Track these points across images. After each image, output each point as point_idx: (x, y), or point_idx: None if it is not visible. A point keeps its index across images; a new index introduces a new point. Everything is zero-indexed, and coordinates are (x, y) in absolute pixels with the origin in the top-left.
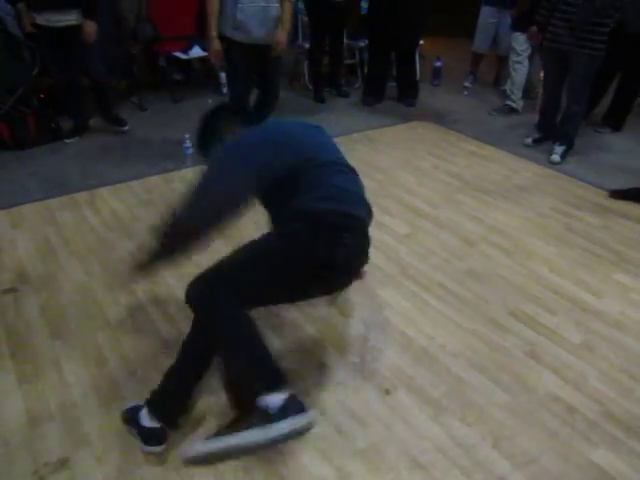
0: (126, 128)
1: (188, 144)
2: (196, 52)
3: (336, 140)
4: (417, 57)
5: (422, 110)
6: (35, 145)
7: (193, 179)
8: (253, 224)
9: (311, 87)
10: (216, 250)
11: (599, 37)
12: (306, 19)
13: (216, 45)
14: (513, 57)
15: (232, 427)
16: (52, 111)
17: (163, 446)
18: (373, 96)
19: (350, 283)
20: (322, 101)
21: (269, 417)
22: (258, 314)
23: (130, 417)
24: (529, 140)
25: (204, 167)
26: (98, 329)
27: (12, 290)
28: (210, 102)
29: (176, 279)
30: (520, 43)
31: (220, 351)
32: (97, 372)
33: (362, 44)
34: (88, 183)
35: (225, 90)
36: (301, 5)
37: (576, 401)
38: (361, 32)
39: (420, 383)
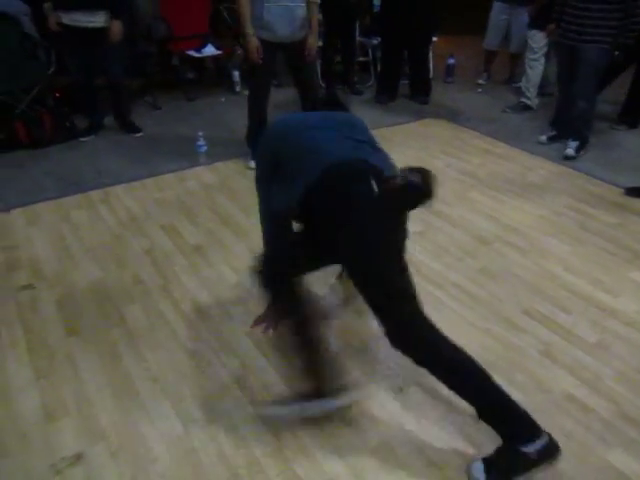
0: (140, 134)
1: (201, 142)
2: (209, 51)
3: None
4: (430, 55)
5: (435, 108)
6: (51, 144)
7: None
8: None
9: (324, 85)
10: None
11: (607, 31)
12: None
13: (254, 42)
14: (529, 54)
15: None
16: (67, 110)
17: None
18: (386, 94)
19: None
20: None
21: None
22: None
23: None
24: (544, 138)
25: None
26: (113, 326)
27: (29, 287)
28: (223, 100)
29: (190, 277)
30: (537, 40)
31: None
32: (111, 368)
33: (375, 42)
34: (102, 181)
35: (238, 89)
36: None
37: (591, 401)
38: (374, 30)
39: (433, 381)
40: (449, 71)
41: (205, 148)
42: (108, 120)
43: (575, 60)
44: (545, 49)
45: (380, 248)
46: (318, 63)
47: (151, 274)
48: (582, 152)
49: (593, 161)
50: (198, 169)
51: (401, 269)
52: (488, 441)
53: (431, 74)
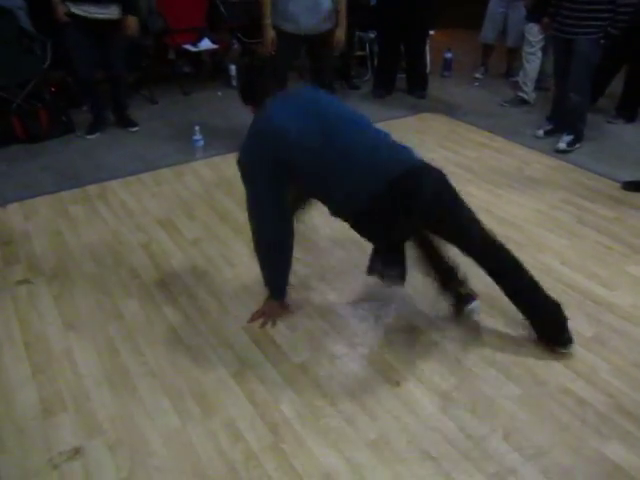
0: (136, 129)
1: (198, 137)
2: (205, 45)
3: None
4: (427, 49)
5: (432, 102)
6: (47, 138)
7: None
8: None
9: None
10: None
11: (600, 23)
12: None
13: (271, 33)
14: (527, 48)
15: None
16: (64, 104)
17: None
18: (383, 88)
19: None
20: (332, 93)
21: None
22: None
23: None
24: (540, 132)
25: None
26: (110, 320)
27: (26, 281)
28: (220, 94)
29: (187, 272)
30: (534, 34)
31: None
32: (109, 363)
33: (372, 36)
34: (99, 176)
35: (235, 83)
36: None
37: (587, 394)
38: (371, 24)
39: (430, 375)
40: (446, 65)
41: (202, 142)
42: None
43: (570, 54)
44: (542, 43)
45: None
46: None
47: (148, 269)
48: (577, 145)
49: (590, 155)
50: (195, 164)
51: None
52: (487, 433)
53: (428, 68)
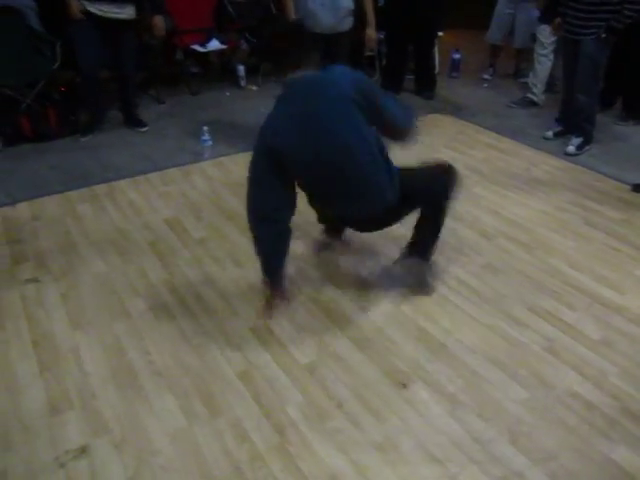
0: (145, 129)
1: (206, 137)
2: (214, 45)
3: None
4: (435, 49)
5: (440, 103)
6: (56, 138)
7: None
8: None
9: None
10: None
11: (605, 23)
12: None
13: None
14: (538, 49)
15: None
16: (73, 104)
17: None
18: (391, 89)
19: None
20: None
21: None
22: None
23: None
24: (550, 133)
25: None
26: (116, 319)
27: (34, 280)
28: (228, 95)
29: (194, 271)
30: (546, 36)
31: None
32: (116, 362)
33: (380, 36)
34: (107, 175)
35: (243, 83)
36: None
37: (595, 398)
38: (379, 24)
39: (437, 377)
40: (454, 66)
41: (210, 142)
42: (113, 114)
43: (577, 55)
44: (555, 45)
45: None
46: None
47: (155, 268)
48: (587, 148)
49: (599, 157)
50: (203, 164)
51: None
52: (494, 437)
53: (436, 69)
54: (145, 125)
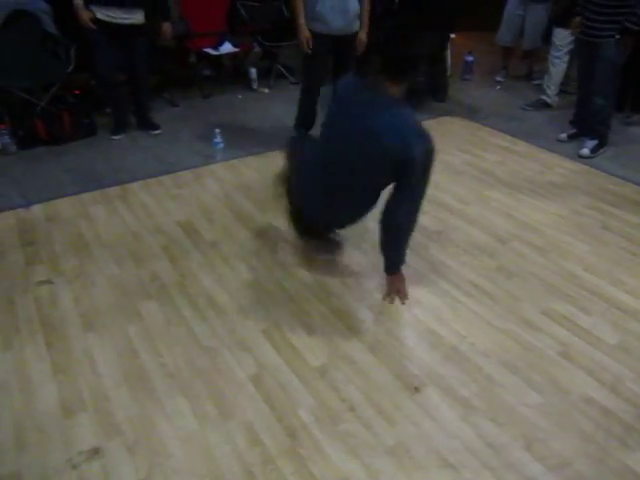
0: (158, 132)
1: (218, 139)
2: (227, 48)
3: None
4: (448, 52)
5: (453, 105)
6: (70, 141)
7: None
8: None
9: None
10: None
11: (619, 26)
12: None
13: (305, 32)
14: (553, 52)
15: None
16: (87, 107)
17: None
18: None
19: None
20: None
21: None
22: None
23: None
24: (564, 136)
25: None
26: (129, 321)
27: (47, 282)
28: (240, 98)
29: (206, 273)
30: (561, 38)
31: None
32: (128, 364)
33: None
34: (120, 178)
35: (255, 86)
36: None
37: (611, 404)
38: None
39: (450, 382)
40: (467, 68)
41: (222, 145)
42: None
43: (594, 57)
44: (569, 47)
45: None
46: None
47: (168, 270)
48: (601, 150)
49: (614, 159)
50: (215, 166)
51: None
52: (508, 442)
53: (449, 71)
54: (158, 128)
